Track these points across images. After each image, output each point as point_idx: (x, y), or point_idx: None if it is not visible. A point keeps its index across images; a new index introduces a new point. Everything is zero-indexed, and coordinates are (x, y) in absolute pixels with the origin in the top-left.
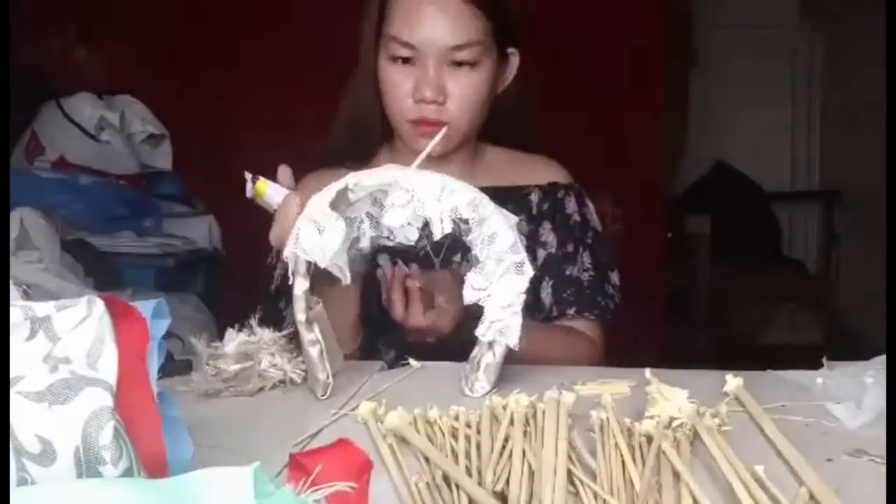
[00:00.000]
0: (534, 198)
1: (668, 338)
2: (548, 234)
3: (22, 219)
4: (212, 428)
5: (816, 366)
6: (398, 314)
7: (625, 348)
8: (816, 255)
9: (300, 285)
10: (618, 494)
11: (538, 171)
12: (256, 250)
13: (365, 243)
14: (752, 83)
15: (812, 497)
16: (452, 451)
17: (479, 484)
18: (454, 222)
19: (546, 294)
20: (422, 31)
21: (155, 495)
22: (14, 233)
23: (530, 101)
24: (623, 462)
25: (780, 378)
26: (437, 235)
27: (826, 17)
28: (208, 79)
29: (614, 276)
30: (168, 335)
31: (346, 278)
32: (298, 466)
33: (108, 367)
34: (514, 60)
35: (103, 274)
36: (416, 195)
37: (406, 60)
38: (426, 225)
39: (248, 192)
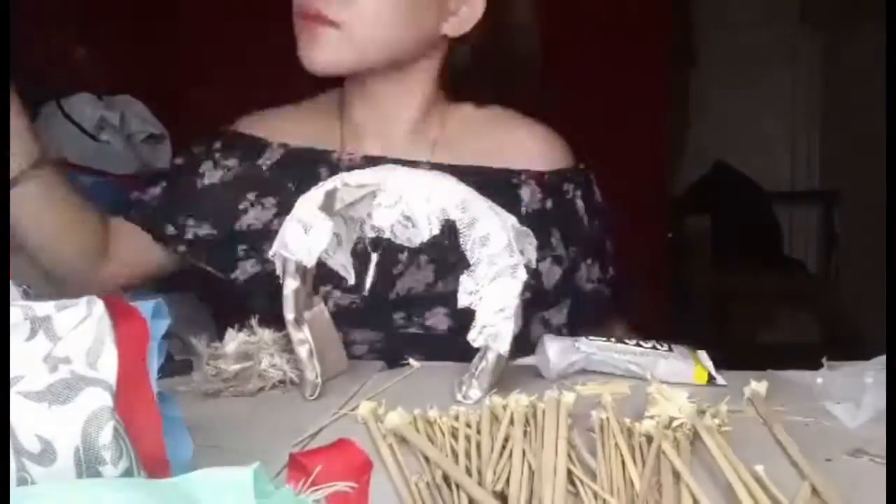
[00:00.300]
0: (525, 193)
1: (668, 337)
2: (557, 243)
3: None
4: (212, 428)
5: (816, 366)
6: None
7: None
8: (816, 255)
9: (289, 285)
10: (618, 494)
11: (532, 152)
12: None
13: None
14: (752, 83)
15: (814, 497)
16: (452, 451)
17: (479, 484)
18: (442, 224)
19: (559, 313)
20: None
21: (154, 496)
22: None
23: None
24: (623, 462)
25: (780, 378)
26: (425, 237)
27: (826, 17)
28: (208, 79)
29: (611, 270)
30: (168, 335)
31: (350, 277)
32: (298, 466)
33: (108, 367)
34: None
35: None
36: (403, 195)
37: None
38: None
39: None
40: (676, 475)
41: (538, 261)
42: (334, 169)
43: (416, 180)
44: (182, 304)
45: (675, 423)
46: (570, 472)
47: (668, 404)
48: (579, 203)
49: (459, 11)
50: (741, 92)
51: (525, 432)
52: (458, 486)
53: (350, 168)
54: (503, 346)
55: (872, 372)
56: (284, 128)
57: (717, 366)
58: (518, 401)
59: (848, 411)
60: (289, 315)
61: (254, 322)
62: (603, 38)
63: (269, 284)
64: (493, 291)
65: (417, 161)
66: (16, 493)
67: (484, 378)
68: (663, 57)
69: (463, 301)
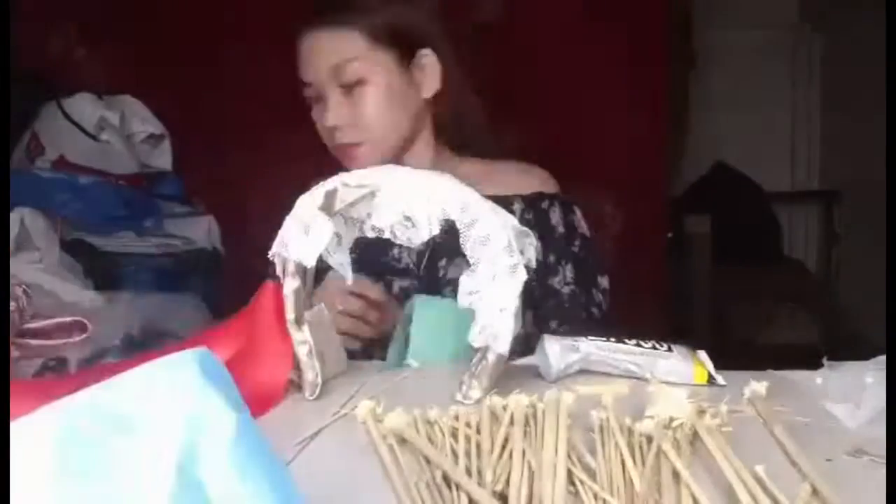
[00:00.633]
0: (517, 208)
1: (668, 337)
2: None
3: (22, 219)
4: None
5: (816, 366)
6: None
7: None
8: (816, 255)
9: (289, 285)
10: (618, 494)
11: (520, 180)
12: (256, 250)
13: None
14: (752, 83)
15: (814, 497)
16: (452, 451)
17: (479, 484)
18: (442, 224)
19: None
20: (307, 66)
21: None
22: (14, 233)
23: (501, 126)
24: (623, 462)
25: (780, 378)
26: (425, 237)
27: (826, 17)
28: (208, 79)
29: (603, 281)
30: (167, 335)
31: (349, 277)
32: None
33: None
34: (429, 61)
35: (103, 274)
36: (403, 195)
37: (318, 99)
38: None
39: None
40: (676, 475)
41: None
42: None
43: (416, 180)
44: (182, 304)
45: (675, 423)
46: (570, 472)
47: (668, 404)
48: (555, 217)
49: (424, 70)
50: (741, 92)
51: (525, 432)
52: (458, 487)
53: None
54: (503, 346)
55: (872, 372)
56: None
57: (717, 366)
58: (518, 401)
59: (848, 411)
60: (289, 315)
61: None
62: (603, 38)
63: None
64: (493, 291)
65: None
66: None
67: (484, 378)
68: (663, 57)
69: (463, 301)
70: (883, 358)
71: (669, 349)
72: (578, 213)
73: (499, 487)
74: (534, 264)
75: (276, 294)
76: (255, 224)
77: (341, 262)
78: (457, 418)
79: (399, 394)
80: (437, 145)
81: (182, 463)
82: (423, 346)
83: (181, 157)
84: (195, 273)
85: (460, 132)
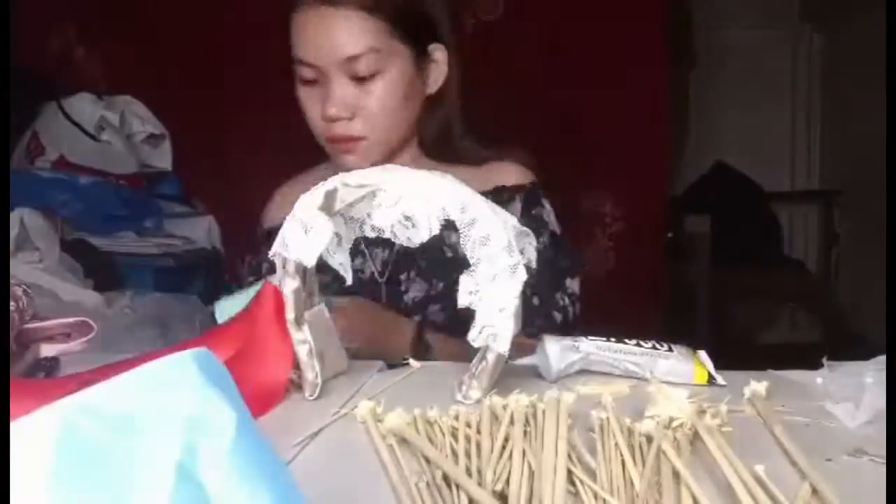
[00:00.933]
0: None
1: (668, 337)
2: None
3: (22, 219)
4: None
5: (816, 366)
6: None
7: None
8: (816, 255)
9: (289, 285)
10: (618, 494)
11: (486, 177)
12: (256, 250)
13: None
14: (752, 83)
15: (814, 497)
16: (452, 451)
17: (479, 484)
18: (442, 224)
19: None
20: (316, 48)
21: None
22: (14, 233)
23: (501, 125)
24: (623, 462)
25: (780, 378)
26: (425, 237)
27: (826, 17)
28: (208, 79)
29: (572, 284)
30: (167, 335)
31: (349, 277)
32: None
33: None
34: (440, 56)
35: (103, 274)
36: (403, 195)
37: (314, 82)
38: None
39: None
40: (676, 475)
41: None
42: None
43: (416, 180)
44: (183, 304)
45: (675, 423)
46: (570, 472)
47: (668, 404)
48: (515, 209)
49: (434, 66)
50: (741, 92)
51: (525, 432)
52: (458, 487)
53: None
54: (503, 346)
55: (872, 372)
56: None
57: (717, 366)
58: (518, 401)
59: (848, 411)
60: (289, 315)
61: None
62: (603, 38)
63: None
64: (493, 291)
65: None
66: None
67: (484, 378)
68: (663, 57)
69: (463, 301)
70: (883, 358)
71: (669, 349)
72: (548, 207)
73: (499, 487)
74: (534, 264)
75: (276, 294)
76: (255, 224)
77: (341, 262)
78: (457, 418)
79: (399, 394)
80: (418, 149)
81: (182, 463)
82: None
83: (181, 157)
84: (195, 273)
85: (445, 136)
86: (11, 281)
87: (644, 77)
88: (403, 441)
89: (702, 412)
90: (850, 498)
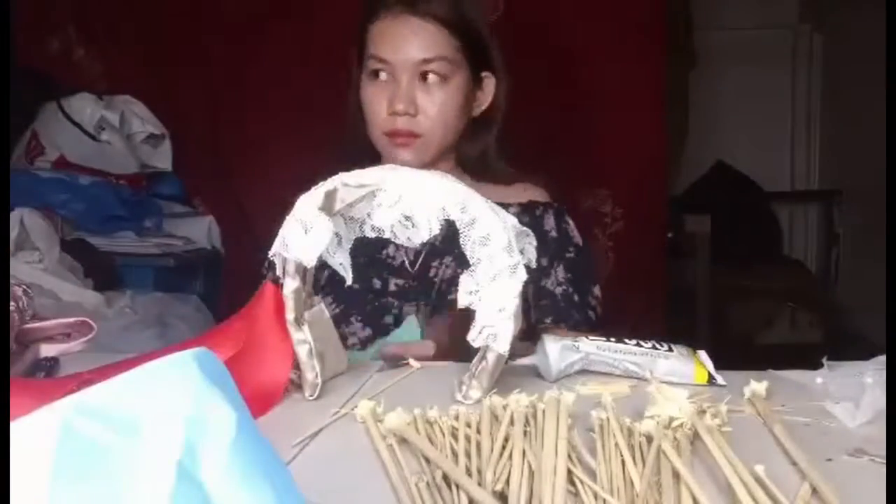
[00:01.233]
0: (512, 212)
1: (668, 337)
2: None
3: (22, 219)
4: None
5: (816, 366)
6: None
7: None
8: (816, 255)
9: (289, 285)
10: (618, 494)
11: (519, 194)
12: (256, 250)
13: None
14: (752, 83)
15: (814, 497)
16: (452, 451)
17: (479, 484)
18: (442, 224)
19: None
20: (394, 48)
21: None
22: (14, 233)
23: (514, 127)
24: (623, 462)
25: (780, 378)
26: (425, 237)
27: (826, 17)
28: (208, 79)
29: (596, 290)
30: (167, 334)
31: (349, 277)
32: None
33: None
34: (489, 83)
35: (103, 274)
36: (403, 195)
37: (381, 76)
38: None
39: None
40: (676, 475)
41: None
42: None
43: (416, 180)
44: (183, 304)
45: (675, 423)
46: (570, 472)
47: (668, 404)
48: (548, 223)
49: (478, 95)
50: (741, 92)
51: (525, 432)
52: (458, 487)
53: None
54: (503, 346)
55: (872, 372)
56: None
57: (717, 366)
58: (518, 401)
59: (848, 411)
60: (289, 315)
61: None
62: (603, 38)
63: None
64: (492, 291)
65: None
66: None
67: (484, 378)
68: (663, 57)
69: (463, 301)
70: (883, 358)
71: (669, 349)
72: (572, 223)
73: (499, 487)
74: (534, 264)
75: (276, 294)
76: (255, 224)
77: (341, 262)
78: (457, 418)
79: (399, 394)
80: (455, 164)
81: (182, 463)
82: None
83: (181, 157)
84: (195, 273)
85: (483, 157)
86: (11, 281)
87: (644, 77)
88: (403, 441)
89: (702, 412)
90: (850, 498)
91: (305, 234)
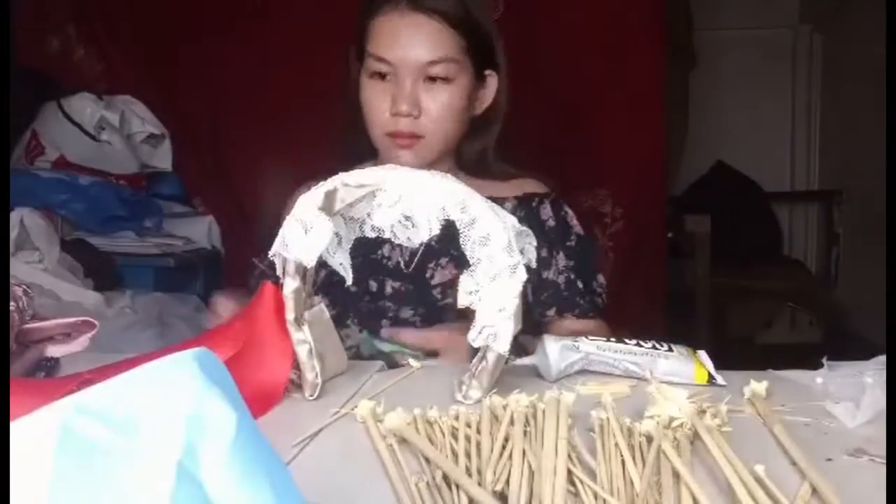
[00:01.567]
0: (508, 206)
1: (668, 337)
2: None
3: (22, 219)
4: None
5: (816, 366)
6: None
7: None
8: (816, 255)
9: (289, 285)
10: (618, 494)
11: (515, 188)
12: (256, 250)
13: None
14: (752, 83)
15: (814, 497)
16: (452, 451)
17: (479, 484)
18: (442, 224)
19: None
20: (398, 48)
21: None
22: (14, 233)
23: (513, 126)
24: (623, 462)
25: (780, 378)
26: (425, 237)
27: (826, 17)
28: (208, 79)
29: (600, 278)
30: (167, 334)
31: (349, 277)
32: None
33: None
34: (492, 82)
35: (103, 274)
36: (403, 195)
37: (383, 77)
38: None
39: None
40: (676, 475)
41: None
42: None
43: (416, 180)
44: (183, 304)
45: (675, 423)
46: (570, 472)
47: (668, 404)
48: (545, 213)
49: (480, 94)
50: (741, 92)
51: (525, 432)
52: (458, 487)
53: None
54: (503, 346)
55: (872, 372)
56: None
57: (717, 366)
58: (518, 401)
59: (848, 411)
60: (289, 315)
61: None
62: (603, 38)
63: None
64: (492, 291)
65: None
66: None
67: (484, 378)
68: (663, 57)
69: (463, 301)
70: (883, 358)
71: (669, 349)
72: (570, 212)
73: (499, 487)
74: (534, 264)
75: (276, 294)
76: (255, 224)
77: (341, 262)
78: (457, 418)
79: (399, 394)
80: (454, 163)
81: (182, 463)
82: None
83: (181, 157)
84: (195, 273)
85: (483, 155)
86: (11, 281)
87: (644, 77)
88: (403, 441)
89: (702, 412)
90: (850, 498)
91: (305, 234)
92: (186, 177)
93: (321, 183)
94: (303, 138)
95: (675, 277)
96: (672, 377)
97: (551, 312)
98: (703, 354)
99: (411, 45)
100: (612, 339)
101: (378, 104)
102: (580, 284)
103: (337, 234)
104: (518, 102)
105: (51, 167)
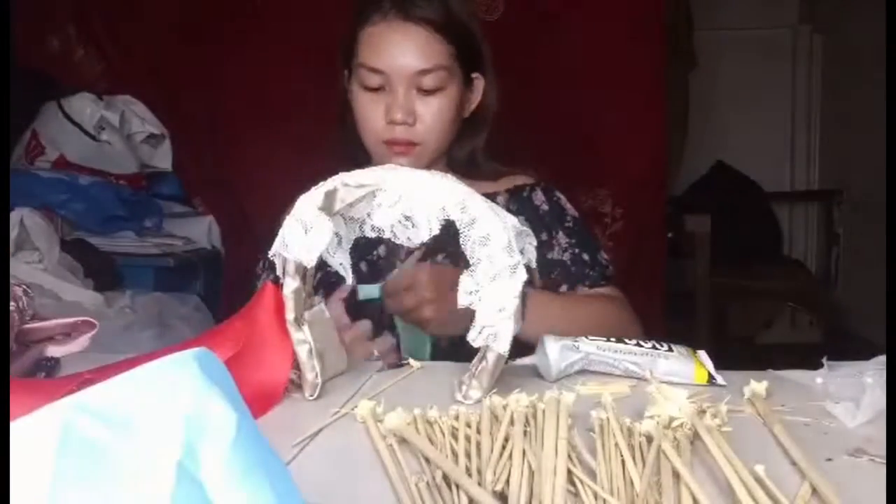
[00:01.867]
0: (500, 199)
1: (668, 337)
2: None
3: (22, 219)
4: None
5: (816, 366)
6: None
7: None
8: (816, 255)
9: (288, 285)
10: (618, 494)
11: (505, 183)
12: (256, 250)
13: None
14: (752, 83)
15: (814, 497)
16: (452, 451)
17: (479, 484)
18: (442, 224)
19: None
20: (389, 57)
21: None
22: (14, 233)
23: (502, 126)
24: (623, 462)
25: (780, 378)
26: (425, 237)
27: (826, 17)
28: (208, 79)
29: (602, 253)
30: (167, 334)
31: (349, 277)
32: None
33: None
34: (479, 84)
35: (103, 274)
36: (403, 195)
37: (378, 89)
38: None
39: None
40: (676, 475)
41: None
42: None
43: (416, 180)
44: (183, 304)
45: (675, 423)
46: (570, 472)
47: (668, 404)
48: (538, 199)
49: (469, 97)
50: (741, 92)
51: (525, 432)
52: (458, 487)
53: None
54: (503, 346)
55: (872, 372)
56: None
57: (717, 366)
58: (518, 401)
59: (848, 411)
60: (289, 315)
61: None
62: (603, 38)
63: None
64: (492, 291)
65: None
66: None
67: (484, 378)
68: (663, 57)
69: (463, 301)
70: (883, 358)
71: (669, 349)
72: (562, 196)
73: (499, 487)
74: (534, 264)
75: (276, 294)
76: (255, 224)
77: (341, 262)
78: (457, 418)
79: (399, 394)
80: (446, 165)
81: (182, 463)
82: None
83: (181, 157)
84: (195, 273)
85: (472, 156)
86: (11, 281)
87: (644, 77)
88: (403, 441)
89: (702, 412)
90: (850, 498)
91: (305, 234)
92: (186, 177)
93: (321, 183)
94: (303, 138)
95: (675, 277)
96: (672, 377)
97: (563, 289)
98: (703, 354)
99: (402, 53)
100: (612, 340)
101: (372, 114)
102: (586, 257)
103: (337, 234)
104: (518, 103)
105: (51, 167)
